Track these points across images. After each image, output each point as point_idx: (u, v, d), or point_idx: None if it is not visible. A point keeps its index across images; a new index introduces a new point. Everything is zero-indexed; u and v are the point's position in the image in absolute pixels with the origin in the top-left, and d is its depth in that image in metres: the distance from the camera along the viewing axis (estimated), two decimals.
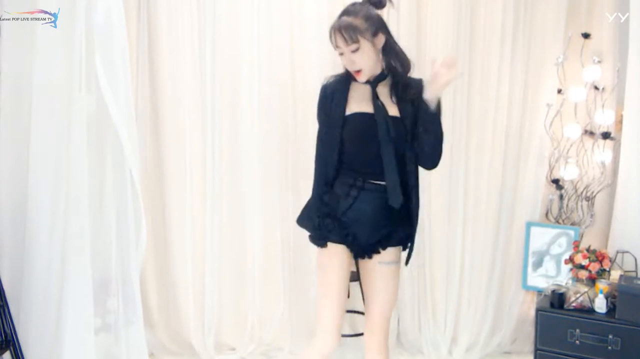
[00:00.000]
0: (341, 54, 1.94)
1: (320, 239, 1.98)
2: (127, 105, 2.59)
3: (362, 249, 1.98)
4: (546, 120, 3.00)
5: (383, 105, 1.95)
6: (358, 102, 1.96)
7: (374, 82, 1.97)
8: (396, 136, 1.92)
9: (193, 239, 3.10)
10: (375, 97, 1.95)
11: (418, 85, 1.96)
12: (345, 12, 1.95)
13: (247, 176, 3.12)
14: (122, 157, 2.62)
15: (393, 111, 1.96)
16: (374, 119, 1.92)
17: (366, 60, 1.93)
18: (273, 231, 3.13)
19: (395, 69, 1.98)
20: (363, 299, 2.15)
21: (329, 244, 1.97)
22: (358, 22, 1.90)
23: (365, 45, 1.90)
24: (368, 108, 1.95)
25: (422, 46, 3.05)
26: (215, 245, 3.11)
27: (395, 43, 2.00)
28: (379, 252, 1.99)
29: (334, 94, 1.98)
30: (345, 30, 1.90)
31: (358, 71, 1.94)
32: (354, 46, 1.90)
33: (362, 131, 1.93)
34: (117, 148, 2.61)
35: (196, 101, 3.05)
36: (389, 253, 2.01)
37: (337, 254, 1.97)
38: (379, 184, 1.95)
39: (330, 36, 1.94)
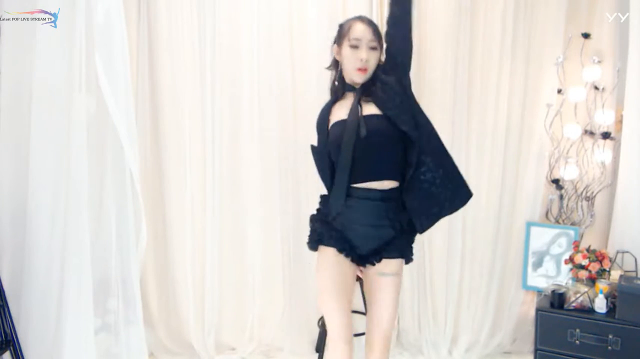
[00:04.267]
0: (356, 46, 1.91)
1: (311, 242, 1.98)
2: (127, 105, 2.59)
3: (358, 257, 1.95)
4: (546, 120, 3.00)
5: (360, 106, 1.92)
6: (339, 113, 1.96)
7: (360, 89, 1.96)
8: (375, 131, 1.87)
9: (193, 240, 3.10)
10: (356, 102, 1.93)
11: (390, 83, 1.96)
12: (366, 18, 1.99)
13: (247, 176, 3.12)
14: (122, 157, 2.62)
15: (372, 110, 1.91)
16: (344, 123, 1.92)
17: (373, 64, 1.95)
18: (273, 231, 3.13)
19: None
20: (364, 303, 2.11)
21: (321, 247, 1.95)
22: (379, 32, 1.97)
23: (378, 52, 1.95)
24: (344, 116, 1.93)
25: (422, 46, 3.05)
26: (215, 245, 3.11)
27: None
28: (373, 264, 1.94)
29: (318, 124, 2.02)
30: (375, 28, 1.95)
31: (364, 69, 1.93)
32: (375, 44, 1.93)
33: (337, 138, 1.90)
34: (117, 148, 2.61)
35: (196, 100, 3.06)
36: (388, 265, 1.93)
37: (328, 257, 1.92)
38: (369, 190, 1.89)
39: (351, 26, 1.93)
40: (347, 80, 1.98)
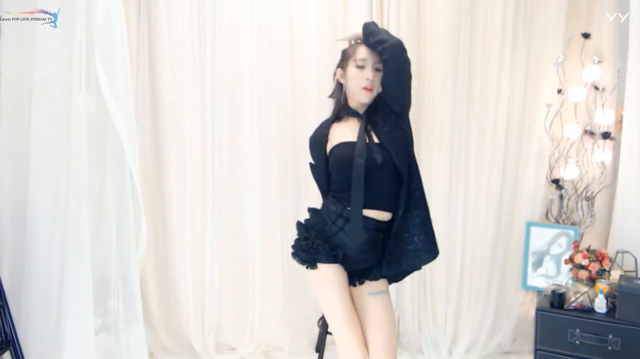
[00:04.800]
0: (362, 66, 1.95)
1: (310, 261, 1.93)
2: (127, 105, 2.59)
3: (349, 273, 1.96)
4: (546, 120, 3.00)
5: (369, 133, 1.94)
6: (343, 134, 1.97)
7: (365, 114, 1.98)
8: (383, 162, 1.88)
9: (193, 239, 3.10)
10: (364, 127, 1.95)
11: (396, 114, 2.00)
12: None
13: (247, 176, 3.12)
14: (122, 157, 2.62)
15: (374, 138, 1.94)
16: (353, 147, 1.92)
17: (377, 85, 1.97)
18: (273, 231, 3.13)
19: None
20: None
21: (320, 265, 1.92)
22: None
23: (381, 74, 1.96)
24: (350, 138, 1.95)
25: (422, 47, 3.05)
26: (215, 245, 3.11)
27: None
28: (362, 283, 1.97)
29: (315, 143, 2.06)
30: (379, 52, 1.94)
31: (370, 89, 1.95)
32: (379, 66, 1.94)
33: (344, 159, 1.91)
34: (117, 148, 2.61)
35: (196, 101, 3.06)
36: (377, 283, 1.97)
37: (332, 273, 1.91)
38: (367, 218, 1.89)
39: (356, 49, 1.97)
40: (351, 103, 2.02)
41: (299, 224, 2.05)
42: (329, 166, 2.00)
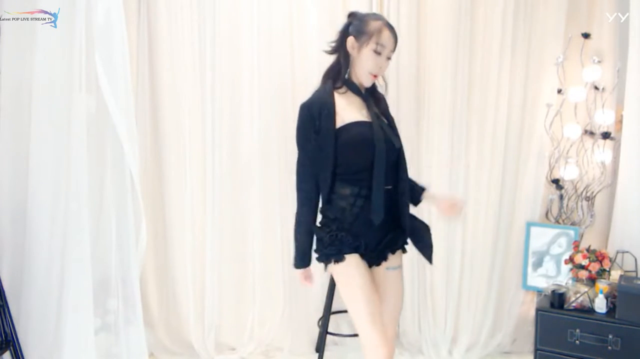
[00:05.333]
0: (379, 53, 1.89)
1: (336, 253, 1.88)
2: (127, 105, 2.59)
3: (371, 257, 1.95)
4: (546, 120, 3.00)
5: (378, 113, 1.95)
6: (352, 112, 1.91)
7: (367, 93, 1.97)
8: (392, 142, 1.91)
9: (193, 239, 3.10)
10: (371, 107, 1.95)
11: (384, 99, 2.07)
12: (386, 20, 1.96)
13: (247, 176, 3.12)
14: (122, 157, 2.62)
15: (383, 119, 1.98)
16: (372, 127, 1.89)
17: (384, 72, 1.97)
18: (273, 231, 3.13)
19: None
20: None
21: (347, 257, 1.89)
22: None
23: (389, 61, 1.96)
24: (362, 117, 1.91)
25: (422, 46, 3.05)
26: (215, 245, 3.11)
27: None
28: (386, 259, 1.97)
29: (322, 110, 1.88)
30: (396, 39, 1.93)
31: (376, 75, 1.94)
32: (392, 54, 1.93)
33: (362, 139, 1.87)
34: (117, 148, 2.61)
35: (196, 101, 3.05)
36: (395, 257, 2.00)
37: (357, 264, 1.90)
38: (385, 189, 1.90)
39: (381, 30, 1.88)
40: (353, 77, 1.96)
41: (316, 229, 1.96)
42: (342, 144, 1.85)
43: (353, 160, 1.88)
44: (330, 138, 1.85)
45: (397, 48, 1.96)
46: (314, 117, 1.87)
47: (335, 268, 1.91)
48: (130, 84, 2.67)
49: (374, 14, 1.98)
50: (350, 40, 1.92)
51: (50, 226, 2.42)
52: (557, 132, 2.99)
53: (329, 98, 1.90)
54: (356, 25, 1.92)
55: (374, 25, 1.89)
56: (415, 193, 2.08)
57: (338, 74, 1.96)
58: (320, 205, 1.98)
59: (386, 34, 1.89)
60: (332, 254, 1.89)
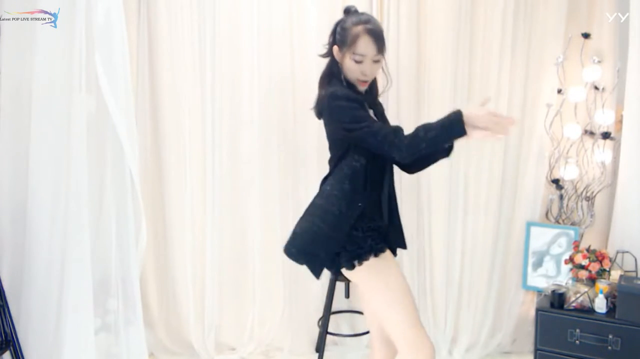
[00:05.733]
0: (360, 61, 1.87)
1: (378, 250, 1.84)
2: (127, 105, 2.59)
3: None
4: (546, 120, 3.00)
5: (384, 115, 2.01)
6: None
7: (370, 99, 1.98)
8: None
9: (193, 239, 3.10)
10: (378, 113, 2.00)
11: (380, 104, 2.10)
12: (372, 20, 1.90)
13: (247, 176, 3.12)
14: (122, 157, 2.62)
15: None
16: None
17: (375, 73, 1.95)
18: (273, 231, 3.13)
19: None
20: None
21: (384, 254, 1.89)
22: (384, 44, 1.90)
23: (382, 62, 1.93)
24: (373, 117, 1.95)
25: (422, 46, 3.05)
26: (215, 245, 3.11)
27: None
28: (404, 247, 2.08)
29: (358, 98, 1.86)
30: (382, 39, 1.88)
31: (365, 82, 1.93)
32: (379, 57, 1.89)
33: None
34: (117, 148, 2.61)
35: (196, 101, 3.05)
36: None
37: (391, 260, 1.90)
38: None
39: (357, 39, 1.85)
40: (350, 79, 1.95)
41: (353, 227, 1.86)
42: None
43: (372, 158, 1.90)
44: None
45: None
46: (362, 106, 1.84)
47: (371, 267, 1.82)
48: (130, 84, 2.67)
49: (359, 17, 1.91)
50: (335, 49, 1.95)
51: (50, 226, 2.41)
52: (557, 132, 2.99)
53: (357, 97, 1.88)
54: (339, 33, 1.93)
55: (352, 33, 1.86)
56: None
57: (332, 79, 1.96)
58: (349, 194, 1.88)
59: (363, 42, 1.84)
60: (375, 249, 1.83)
